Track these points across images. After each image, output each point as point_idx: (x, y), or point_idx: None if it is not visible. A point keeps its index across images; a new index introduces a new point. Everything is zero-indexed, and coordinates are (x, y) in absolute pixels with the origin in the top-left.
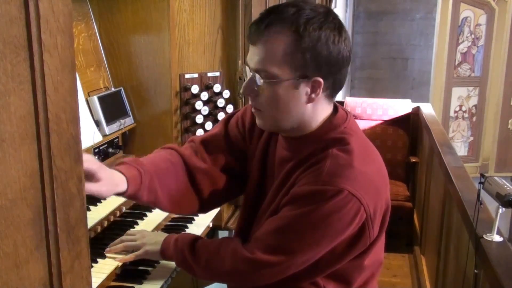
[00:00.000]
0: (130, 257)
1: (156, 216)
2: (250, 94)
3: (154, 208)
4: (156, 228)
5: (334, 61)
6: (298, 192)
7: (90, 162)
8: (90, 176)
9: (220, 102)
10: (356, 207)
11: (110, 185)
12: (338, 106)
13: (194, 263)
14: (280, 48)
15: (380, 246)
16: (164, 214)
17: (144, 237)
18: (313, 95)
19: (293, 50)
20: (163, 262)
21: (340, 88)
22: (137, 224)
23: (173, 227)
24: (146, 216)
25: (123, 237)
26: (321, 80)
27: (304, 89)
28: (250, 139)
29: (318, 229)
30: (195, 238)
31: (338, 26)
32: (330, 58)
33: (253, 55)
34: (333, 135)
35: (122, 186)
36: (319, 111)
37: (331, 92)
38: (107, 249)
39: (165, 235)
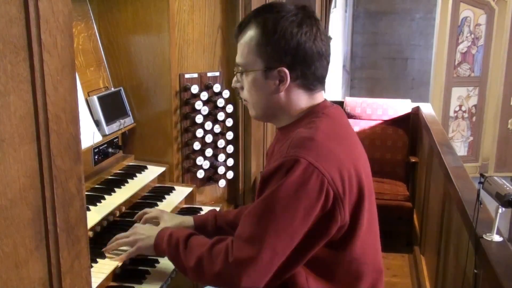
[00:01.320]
0: (124, 256)
1: None
2: (237, 86)
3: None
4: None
5: (293, 52)
6: (264, 174)
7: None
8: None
9: (220, 102)
10: (319, 180)
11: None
12: (325, 99)
13: (186, 261)
14: (249, 43)
15: (364, 242)
16: None
17: (136, 233)
18: (281, 85)
19: (258, 44)
20: (162, 262)
21: (317, 80)
22: None
23: None
24: None
25: (118, 235)
26: (286, 70)
27: (273, 79)
28: None
29: (287, 207)
30: (190, 234)
31: (300, 20)
32: (289, 49)
33: (237, 53)
34: (309, 119)
35: (188, 221)
36: (294, 100)
37: (304, 82)
38: (104, 248)
39: (158, 229)
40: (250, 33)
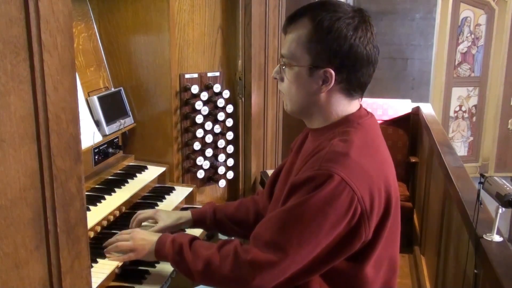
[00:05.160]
0: (123, 258)
1: None
2: (276, 77)
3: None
4: None
5: (345, 55)
6: (294, 181)
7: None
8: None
9: (220, 102)
10: (350, 197)
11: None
12: (361, 106)
13: (192, 265)
14: (299, 37)
15: (379, 258)
16: None
17: (136, 238)
18: (324, 86)
19: (309, 40)
20: (163, 262)
21: (360, 87)
22: None
23: None
24: None
25: (118, 236)
26: (332, 71)
27: (317, 78)
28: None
29: (314, 220)
30: (193, 238)
31: (356, 24)
32: (341, 52)
33: (283, 44)
34: (343, 129)
35: (186, 216)
36: (333, 103)
37: (347, 86)
38: (105, 250)
39: (158, 235)
40: (302, 27)
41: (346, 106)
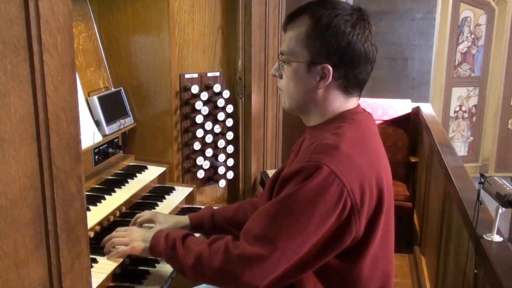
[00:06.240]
0: (118, 252)
1: None
2: (275, 74)
3: (154, 209)
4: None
5: (343, 51)
6: (284, 174)
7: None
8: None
9: (220, 102)
10: (339, 189)
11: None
12: (359, 105)
13: (184, 259)
14: (298, 34)
15: (375, 257)
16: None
17: (132, 234)
18: (322, 82)
19: (308, 36)
20: (163, 262)
21: (358, 84)
22: None
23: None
24: None
25: (113, 234)
26: (330, 68)
27: (315, 74)
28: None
29: (303, 211)
30: (187, 234)
31: (355, 21)
32: (339, 48)
33: (283, 41)
34: (337, 124)
35: (184, 221)
36: (331, 100)
37: (345, 83)
38: (104, 249)
39: (153, 231)
40: (301, 24)
41: (343, 103)
